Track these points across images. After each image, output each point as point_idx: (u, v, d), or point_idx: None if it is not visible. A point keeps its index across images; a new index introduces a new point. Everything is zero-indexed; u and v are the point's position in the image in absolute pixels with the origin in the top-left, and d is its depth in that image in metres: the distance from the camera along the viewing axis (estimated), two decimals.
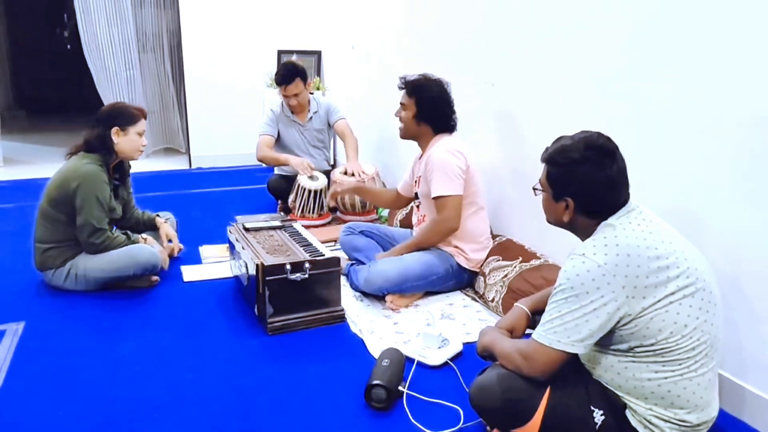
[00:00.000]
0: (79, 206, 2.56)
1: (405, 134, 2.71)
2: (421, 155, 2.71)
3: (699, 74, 1.84)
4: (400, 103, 2.66)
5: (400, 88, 2.66)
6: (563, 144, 1.56)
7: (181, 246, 3.12)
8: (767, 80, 1.65)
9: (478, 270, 2.68)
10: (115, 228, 2.93)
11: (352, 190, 3.07)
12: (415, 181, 2.74)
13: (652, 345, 1.43)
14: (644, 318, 1.42)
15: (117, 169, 2.80)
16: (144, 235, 2.87)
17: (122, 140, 2.68)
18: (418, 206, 2.77)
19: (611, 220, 1.52)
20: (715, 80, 1.79)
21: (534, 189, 1.65)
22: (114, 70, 5.32)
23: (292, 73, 3.75)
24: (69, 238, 2.64)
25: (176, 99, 5.71)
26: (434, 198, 2.54)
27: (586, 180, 1.50)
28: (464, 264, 2.65)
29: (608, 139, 1.54)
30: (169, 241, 2.98)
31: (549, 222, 1.67)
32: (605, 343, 1.49)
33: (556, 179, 1.56)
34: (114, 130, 2.66)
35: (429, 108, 2.60)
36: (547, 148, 1.60)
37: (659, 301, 1.41)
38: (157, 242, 2.92)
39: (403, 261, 2.57)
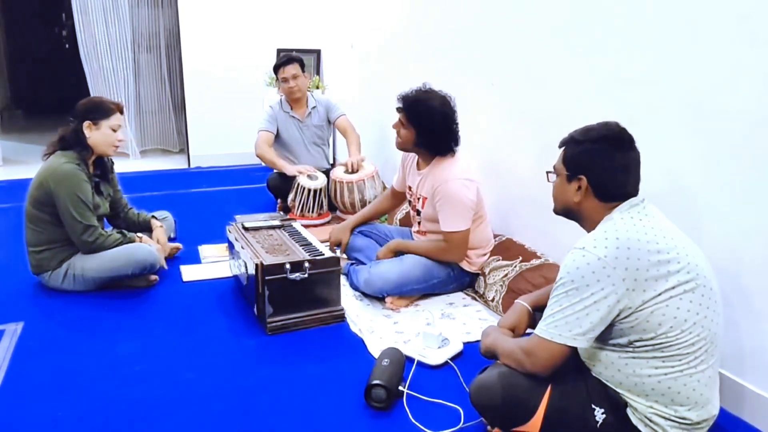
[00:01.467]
0: (62, 207, 2.54)
1: (402, 148, 2.61)
2: (419, 163, 2.64)
3: (699, 69, 1.83)
4: (399, 120, 2.52)
5: (399, 110, 2.50)
6: (585, 126, 1.61)
7: (180, 245, 3.11)
8: (766, 74, 1.65)
9: (479, 272, 2.68)
10: (110, 227, 2.92)
11: (350, 226, 2.87)
12: (418, 198, 2.64)
13: (651, 339, 1.43)
14: (644, 311, 1.42)
15: (97, 165, 2.76)
16: (140, 234, 2.85)
17: (95, 134, 2.63)
18: (418, 220, 2.71)
19: (613, 214, 1.52)
20: (716, 75, 1.79)
21: (547, 173, 1.67)
22: (111, 71, 5.32)
23: (290, 57, 3.83)
24: (60, 238, 2.62)
25: (171, 100, 5.70)
26: (443, 231, 2.49)
27: (601, 157, 1.54)
28: (467, 267, 2.64)
29: (626, 130, 1.59)
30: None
31: (557, 210, 1.68)
32: (605, 338, 1.50)
33: (571, 158, 1.59)
34: (86, 123, 2.61)
35: (429, 137, 2.48)
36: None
37: (659, 294, 1.41)
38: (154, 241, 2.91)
39: (404, 264, 2.55)
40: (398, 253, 2.67)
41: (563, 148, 1.64)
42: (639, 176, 1.57)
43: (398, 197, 2.92)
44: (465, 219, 2.48)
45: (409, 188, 2.74)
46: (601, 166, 1.54)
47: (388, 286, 2.52)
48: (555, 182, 1.65)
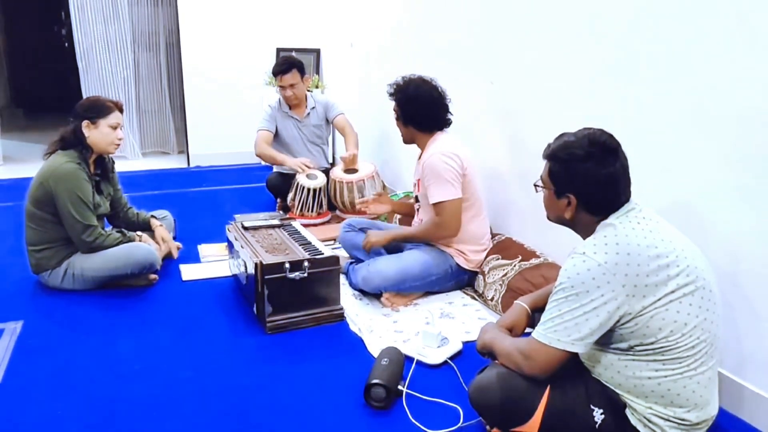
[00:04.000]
0: (62, 207, 2.54)
1: (403, 139, 2.73)
2: (420, 155, 2.70)
3: (698, 70, 1.83)
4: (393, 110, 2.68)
5: (389, 94, 2.67)
6: (566, 140, 1.56)
7: (179, 244, 3.10)
8: (766, 76, 1.65)
9: (477, 270, 2.68)
10: (109, 226, 2.92)
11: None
12: (414, 184, 2.72)
13: (652, 343, 1.43)
14: (644, 317, 1.42)
15: (98, 164, 2.76)
16: (140, 233, 2.85)
17: (93, 133, 2.63)
18: (417, 209, 2.75)
19: (611, 219, 1.51)
20: (714, 76, 1.78)
21: (535, 186, 1.65)
22: (110, 70, 5.31)
23: (289, 63, 3.80)
24: (60, 237, 2.62)
25: (170, 101, 5.69)
26: (433, 204, 2.52)
27: (588, 177, 1.50)
28: (464, 265, 2.64)
29: (611, 136, 1.54)
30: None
31: (550, 219, 1.66)
32: (605, 341, 1.49)
33: (558, 176, 1.56)
34: (84, 123, 2.61)
35: (408, 110, 2.59)
36: (549, 145, 1.60)
37: (659, 299, 1.41)
38: (154, 240, 2.90)
39: (402, 261, 2.56)
40: (396, 250, 2.67)
41: (547, 162, 1.60)
42: (629, 181, 1.53)
43: None
44: (452, 188, 2.49)
45: (414, 184, 2.78)
46: (589, 186, 1.51)
47: (386, 282, 2.53)
48: (544, 194, 1.63)
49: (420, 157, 2.69)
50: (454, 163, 2.50)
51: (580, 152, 1.51)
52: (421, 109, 2.58)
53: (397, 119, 2.66)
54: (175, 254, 2.97)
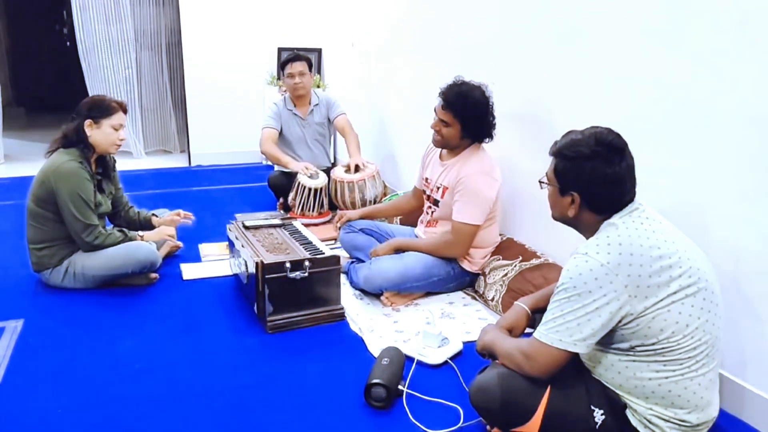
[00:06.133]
0: (63, 206, 2.54)
1: (443, 146, 2.61)
2: (441, 154, 2.66)
3: (700, 71, 1.83)
4: (440, 119, 2.51)
5: (443, 107, 2.49)
6: (573, 138, 1.56)
7: (180, 243, 3.06)
8: (766, 77, 1.65)
9: (479, 272, 2.68)
10: (111, 225, 2.92)
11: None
12: (437, 187, 2.64)
13: (653, 344, 1.43)
14: (646, 317, 1.41)
15: (99, 163, 2.76)
16: (141, 233, 2.85)
17: (95, 133, 2.62)
18: (432, 210, 2.72)
19: (614, 219, 1.51)
20: (716, 77, 1.78)
21: (540, 182, 1.65)
22: (111, 69, 5.31)
23: (299, 55, 3.89)
24: (61, 236, 2.63)
25: (172, 101, 5.68)
26: (454, 220, 2.51)
27: (593, 175, 1.50)
28: (467, 267, 2.64)
29: (618, 135, 1.54)
30: (172, 237, 2.94)
31: (554, 218, 1.66)
32: (606, 342, 1.49)
33: (563, 173, 1.56)
34: (87, 122, 2.61)
35: (474, 125, 2.51)
36: (556, 142, 1.60)
37: (661, 300, 1.41)
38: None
39: (404, 261, 2.56)
40: (398, 251, 2.67)
41: (553, 159, 1.60)
42: (634, 181, 1.54)
43: (419, 197, 2.87)
44: (480, 214, 2.49)
45: (426, 180, 2.74)
46: (593, 184, 1.51)
47: (388, 283, 2.52)
48: (548, 191, 1.63)
49: (445, 160, 2.63)
50: (494, 192, 2.50)
51: (586, 150, 1.51)
52: (485, 124, 2.51)
53: (459, 133, 2.51)
54: (190, 219, 2.99)
